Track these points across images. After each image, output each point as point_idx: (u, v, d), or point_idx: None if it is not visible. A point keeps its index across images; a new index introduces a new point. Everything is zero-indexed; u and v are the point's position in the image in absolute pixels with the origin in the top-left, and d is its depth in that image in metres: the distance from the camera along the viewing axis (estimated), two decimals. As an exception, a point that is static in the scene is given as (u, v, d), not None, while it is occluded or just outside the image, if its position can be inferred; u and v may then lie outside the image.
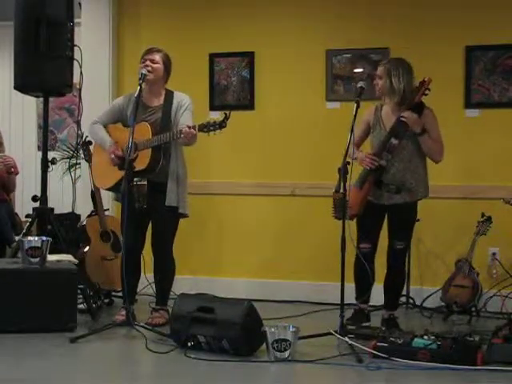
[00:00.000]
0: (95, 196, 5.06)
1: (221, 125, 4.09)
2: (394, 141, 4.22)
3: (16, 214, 6.18)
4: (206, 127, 4.12)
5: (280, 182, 5.47)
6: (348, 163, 4.05)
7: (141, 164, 4.30)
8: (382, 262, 4.38)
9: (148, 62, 4.46)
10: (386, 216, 4.36)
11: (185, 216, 4.55)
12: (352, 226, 4.11)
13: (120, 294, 4.93)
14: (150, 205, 4.35)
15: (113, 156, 4.43)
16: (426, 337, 3.69)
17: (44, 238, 4.37)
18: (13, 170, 5.66)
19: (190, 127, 4.15)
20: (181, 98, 4.51)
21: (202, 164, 5.51)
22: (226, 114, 4.08)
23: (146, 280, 4.79)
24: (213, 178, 5.60)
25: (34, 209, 4.81)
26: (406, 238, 4.37)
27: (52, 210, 4.82)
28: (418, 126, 4.19)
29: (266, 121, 5.51)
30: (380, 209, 4.31)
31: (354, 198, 4.21)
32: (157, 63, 4.48)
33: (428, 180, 4.34)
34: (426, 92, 4.22)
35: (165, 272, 4.57)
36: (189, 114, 4.46)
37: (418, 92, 4.20)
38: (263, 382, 3.50)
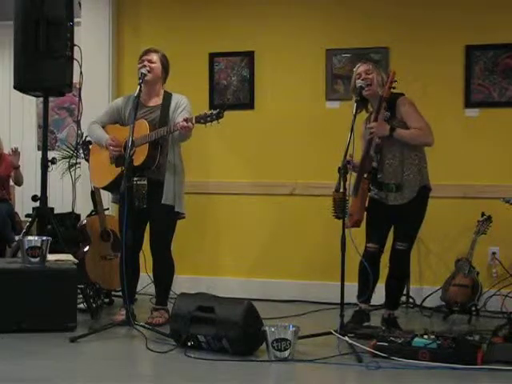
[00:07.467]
0: (95, 195, 5.07)
1: (218, 115, 4.05)
2: (377, 140, 4.21)
3: (16, 213, 6.20)
4: (203, 118, 4.10)
5: (279, 181, 5.46)
6: (348, 162, 4.05)
7: (137, 160, 4.28)
8: (385, 262, 4.38)
9: (146, 63, 4.46)
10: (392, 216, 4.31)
11: (182, 216, 4.56)
12: (352, 225, 4.12)
13: (120, 293, 4.93)
14: (148, 204, 4.34)
15: (111, 148, 4.42)
16: (425, 336, 3.68)
17: (44, 238, 4.37)
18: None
19: (186, 120, 4.14)
20: (179, 98, 4.52)
21: (202, 163, 5.51)
22: (223, 104, 4.04)
23: (149, 279, 4.77)
24: (212, 178, 5.59)
25: (33, 208, 4.82)
26: (408, 239, 4.28)
27: (52, 209, 4.83)
28: (382, 130, 4.16)
29: (265, 120, 5.50)
30: (387, 209, 4.28)
31: (354, 206, 4.20)
32: (154, 63, 4.48)
33: (425, 168, 4.28)
34: (393, 85, 4.16)
35: (164, 272, 4.57)
36: (186, 114, 4.45)
37: (385, 86, 4.17)
38: (263, 382, 3.50)
